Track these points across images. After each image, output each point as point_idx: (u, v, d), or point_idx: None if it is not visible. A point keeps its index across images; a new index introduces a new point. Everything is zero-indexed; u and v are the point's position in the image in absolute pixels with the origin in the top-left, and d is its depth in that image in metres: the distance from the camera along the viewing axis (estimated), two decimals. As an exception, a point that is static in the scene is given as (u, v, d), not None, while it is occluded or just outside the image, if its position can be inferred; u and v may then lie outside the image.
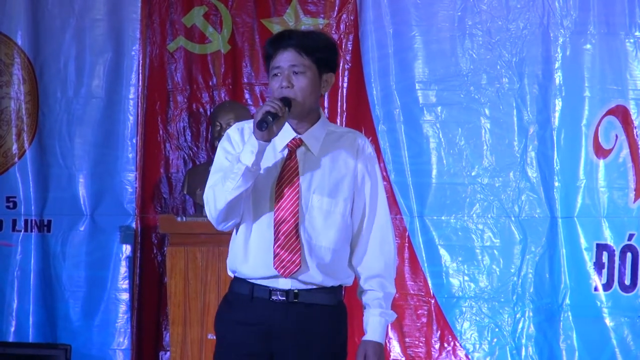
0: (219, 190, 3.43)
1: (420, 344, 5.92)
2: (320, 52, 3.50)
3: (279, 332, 3.47)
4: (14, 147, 6.08)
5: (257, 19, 6.05)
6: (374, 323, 3.53)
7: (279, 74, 3.47)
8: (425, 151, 5.94)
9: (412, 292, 5.92)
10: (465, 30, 5.90)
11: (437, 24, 5.91)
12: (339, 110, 6.01)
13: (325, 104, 5.97)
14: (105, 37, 6.06)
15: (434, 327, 5.90)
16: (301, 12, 6.02)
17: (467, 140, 5.91)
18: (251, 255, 3.48)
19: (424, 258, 5.90)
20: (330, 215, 3.49)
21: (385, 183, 5.71)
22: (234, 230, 3.54)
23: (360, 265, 3.56)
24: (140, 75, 6.06)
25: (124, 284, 6.04)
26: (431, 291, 5.90)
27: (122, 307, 6.02)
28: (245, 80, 6.05)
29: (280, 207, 3.46)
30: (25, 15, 6.06)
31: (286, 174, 3.49)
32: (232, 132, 3.54)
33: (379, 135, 5.95)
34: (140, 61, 6.05)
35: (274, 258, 3.44)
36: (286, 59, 3.46)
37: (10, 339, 5.97)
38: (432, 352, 5.90)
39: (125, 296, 6.03)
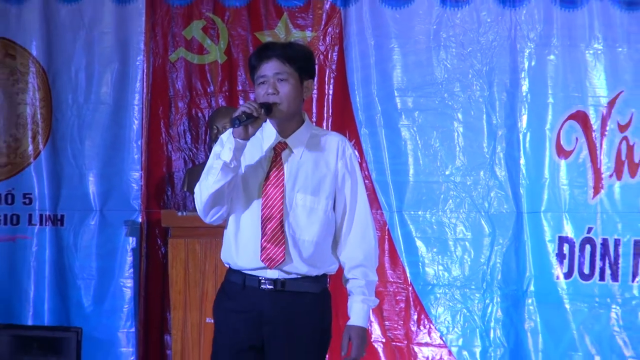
0: (203, 185, 3.53)
1: (399, 327, 6.03)
2: (301, 61, 3.59)
3: (269, 318, 3.57)
4: (30, 148, 6.10)
5: (250, 32, 6.09)
6: (357, 309, 3.64)
7: (264, 82, 3.55)
8: (403, 152, 6.02)
9: (391, 280, 6.01)
10: (440, 42, 5.98)
11: (415, 37, 5.98)
12: (325, 115, 6.08)
13: (314, 110, 6.06)
14: (112, 49, 6.09)
15: (412, 312, 6.01)
16: (291, 25, 6.07)
17: (441, 142, 6.00)
18: (241, 249, 3.58)
19: (402, 249, 6.00)
20: (314, 212, 3.59)
21: (367, 181, 5.83)
22: (226, 226, 3.64)
23: (344, 256, 3.66)
24: (145, 83, 6.09)
25: (130, 273, 6.08)
26: (409, 279, 6.00)
27: (128, 294, 6.06)
28: (240, 87, 6.11)
29: (266, 206, 3.55)
30: (40, 28, 6.07)
31: (272, 175, 3.58)
32: (224, 136, 3.61)
33: (361, 138, 6.03)
34: (145, 70, 6.09)
35: (261, 251, 3.54)
36: (271, 67, 3.55)
37: (29, 323, 6.03)
38: (410, 334, 6.01)
39: (130, 284, 6.06)
